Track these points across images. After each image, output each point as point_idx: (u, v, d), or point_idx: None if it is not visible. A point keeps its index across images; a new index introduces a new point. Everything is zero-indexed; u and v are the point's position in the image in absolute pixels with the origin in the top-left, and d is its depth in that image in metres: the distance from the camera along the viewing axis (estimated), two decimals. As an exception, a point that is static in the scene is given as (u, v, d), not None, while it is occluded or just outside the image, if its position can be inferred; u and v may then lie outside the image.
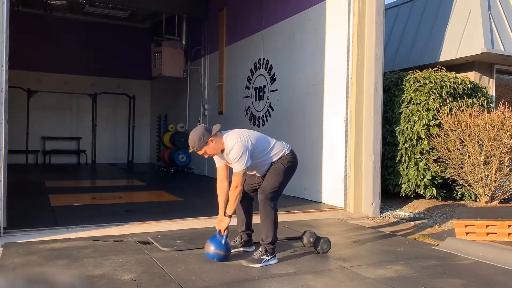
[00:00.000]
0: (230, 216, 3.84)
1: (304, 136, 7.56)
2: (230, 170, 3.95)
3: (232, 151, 3.75)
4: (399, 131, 6.82)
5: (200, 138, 3.74)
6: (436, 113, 6.53)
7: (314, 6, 7.43)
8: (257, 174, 4.07)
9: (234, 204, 3.80)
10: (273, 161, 3.97)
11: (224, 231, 3.84)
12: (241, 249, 4.22)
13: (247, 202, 4.15)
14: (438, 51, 8.43)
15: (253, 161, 3.86)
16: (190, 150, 3.85)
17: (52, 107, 14.74)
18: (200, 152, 3.80)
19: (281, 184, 3.93)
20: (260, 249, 3.89)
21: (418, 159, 6.65)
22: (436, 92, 6.76)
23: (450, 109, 6.35)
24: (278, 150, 4.00)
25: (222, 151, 3.85)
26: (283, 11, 8.33)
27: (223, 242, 3.80)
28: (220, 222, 3.87)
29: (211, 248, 3.81)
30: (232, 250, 4.08)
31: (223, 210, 3.91)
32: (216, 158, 3.99)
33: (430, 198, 6.88)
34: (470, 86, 7.17)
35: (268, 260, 3.85)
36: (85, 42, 14.72)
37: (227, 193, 3.90)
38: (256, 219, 4.09)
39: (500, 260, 4.05)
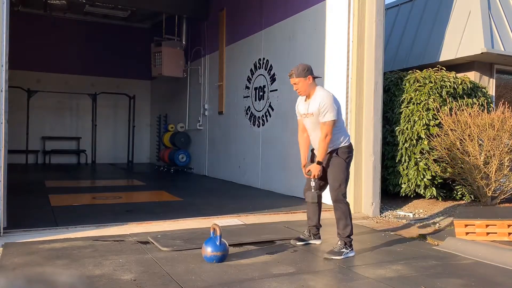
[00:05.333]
0: (321, 164, 4.10)
1: (304, 136, 7.53)
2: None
3: (323, 100, 4.01)
4: (399, 131, 6.82)
5: (304, 69, 4.09)
6: (436, 113, 6.52)
7: (314, 6, 7.43)
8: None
9: (324, 152, 4.06)
10: (339, 144, 4.13)
11: (315, 176, 4.12)
12: (311, 241, 4.49)
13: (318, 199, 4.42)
14: (438, 51, 8.43)
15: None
16: (289, 74, 4.20)
17: (52, 107, 14.74)
18: (294, 81, 4.13)
19: (346, 177, 4.17)
20: (339, 242, 4.12)
21: (418, 159, 6.64)
22: (436, 92, 6.76)
23: (450, 109, 6.34)
24: (345, 134, 4.20)
25: (307, 97, 4.15)
26: (283, 11, 8.33)
27: (217, 243, 3.80)
28: (311, 168, 4.13)
29: (208, 251, 3.82)
30: (302, 243, 4.41)
31: (305, 161, 4.31)
32: (298, 107, 4.34)
33: (430, 198, 6.88)
34: (470, 86, 7.17)
35: (347, 252, 4.09)
36: (85, 42, 14.72)
37: (308, 143, 4.31)
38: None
39: (500, 260, 4.05)
